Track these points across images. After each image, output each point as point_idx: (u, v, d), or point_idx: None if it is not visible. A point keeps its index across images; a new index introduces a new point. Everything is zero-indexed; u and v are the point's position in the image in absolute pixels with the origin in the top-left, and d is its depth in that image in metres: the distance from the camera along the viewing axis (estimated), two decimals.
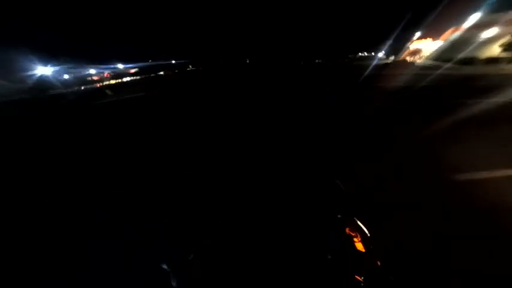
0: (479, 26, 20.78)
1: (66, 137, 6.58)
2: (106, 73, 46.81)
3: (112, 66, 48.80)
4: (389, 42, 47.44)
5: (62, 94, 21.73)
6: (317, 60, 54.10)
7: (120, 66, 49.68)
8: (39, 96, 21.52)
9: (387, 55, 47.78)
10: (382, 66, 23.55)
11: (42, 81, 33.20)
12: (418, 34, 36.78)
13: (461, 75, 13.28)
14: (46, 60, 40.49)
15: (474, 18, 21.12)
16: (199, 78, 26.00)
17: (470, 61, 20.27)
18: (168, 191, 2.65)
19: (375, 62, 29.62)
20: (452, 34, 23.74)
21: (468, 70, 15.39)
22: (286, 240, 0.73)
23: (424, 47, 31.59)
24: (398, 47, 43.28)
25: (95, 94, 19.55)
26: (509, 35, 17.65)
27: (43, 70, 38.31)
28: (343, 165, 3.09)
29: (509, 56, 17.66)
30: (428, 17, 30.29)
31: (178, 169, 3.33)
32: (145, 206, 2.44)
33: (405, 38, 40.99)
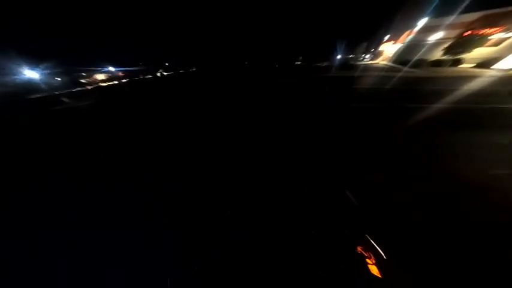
0: (428, 30, 21.36)
1: None
2: (96, 75, 46.02)
3: (106, 69, 48.13)
4: (369, 45, 48.47)
5: (26, 100, 21.00)
6: (297, 63, 54.67)
7: (112, 69, 48.96)
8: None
9: (365, 57, 48.63)
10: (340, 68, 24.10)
11: (27, 84, 32.57)
12: (387, 37, 37.77)
13: (398, 77, 13.58)
14: (36, 62, 39.83)
15: (423, 22, 21.68)
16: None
17: (419, 63, 20.81)
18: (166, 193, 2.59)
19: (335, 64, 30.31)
20: (407, 37, 24.30)
21: (411, 73, 15.71)
22: (284, 251, 0.69)
23: (388, 50, 32.27)
24: (376, 49, 44.15)
25: (55, 100, 18.94)
26: (451, 39, 18.15)
27: (31, 73, 37.56)
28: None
29: (450, 58, 18.18)
30: (394, 20, 31.00)
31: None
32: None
33: (381, 40, 41.91)
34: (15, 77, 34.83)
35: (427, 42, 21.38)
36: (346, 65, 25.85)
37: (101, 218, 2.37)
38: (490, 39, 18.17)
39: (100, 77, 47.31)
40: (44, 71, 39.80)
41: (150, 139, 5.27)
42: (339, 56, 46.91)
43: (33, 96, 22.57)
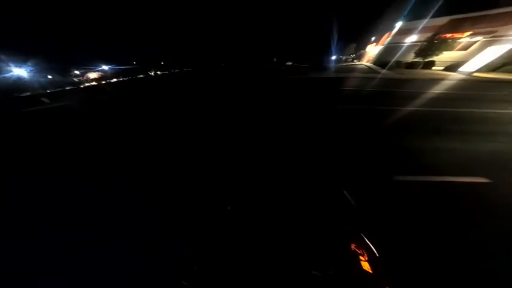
0: (404, 33, 22.01)
1: None
2: (89, 74, 44.88)
3: (99, 67, 47.10)
4: (357, 46, 49.32)
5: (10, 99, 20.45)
6: (288, 63, 54.97)
7: (105, 67, 47.90)
8: None
9: (353, 58, 49.42)
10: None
11: (15, 82, 31.74)
12: (373, 38, 38.58)
13: (367, 78, 14.08)
14: (27, 60, 38.61)
15: (399, 24, 22.32)
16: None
17: (395, 65, 21.45)
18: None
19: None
20: (386, 39, 24.94)
21: (384, 74, 16.25)
22: (285, 251, 0.70)
23: (371, 51, 32.99)
24: (363, 50, 45.05)
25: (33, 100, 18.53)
26: (423, 42, 18.76)
27: (19, 71, 36.48)
28: None
29: (422, 61, 18.83)
30: (378, 21, 31.71)
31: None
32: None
33: (368, 42, 42.76)
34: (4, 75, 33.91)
35: (403, 45, 22.03)
36: (321, 66, 26.65)
37: (99, 218, 2.36)
38: (460, 43, 18.92)
39: (92, 75, 46.42)
40: (34, 69, 38.69)
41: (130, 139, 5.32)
42: (333, 57, 47.71)
43: (16, 95, 22.17)
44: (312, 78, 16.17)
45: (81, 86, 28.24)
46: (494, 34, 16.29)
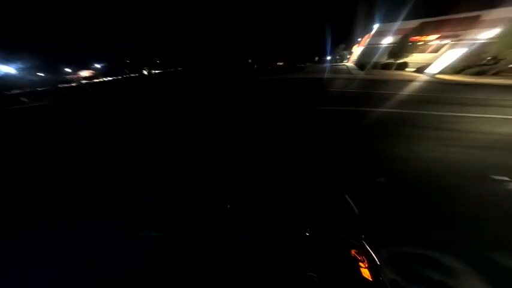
0: (380, 34, 22.68)
1: None
2: (80, 73, 44.04)
3: (93, 65, 46.39)
4: (346, 47, 50.08)
5: None
6: (279, 63, 55.35)
7: (98, 65, 47.23)
8: None
9: (338, 59, 50.10)
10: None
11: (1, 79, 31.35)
12: (359, 39, 39.40)
13: (340, 78, 14.64)
14: (17, 57, 37.83)
15: (376, 26, 22.97)
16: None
17: (373, 66, 22.11)
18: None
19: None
20: (366, 41, 25.60)
21: (352, 75, 16.83)
22: (282, 251, 0.71)
23: (356, 52, 33.73)
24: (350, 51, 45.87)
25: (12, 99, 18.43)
26: (395, 44, 19.43)
27: (6, 68, 35.86)
28: None
29: (395, 62, 19.51)
30: (363, 23, 32.40)
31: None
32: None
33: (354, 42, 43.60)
34: None
35: (380, 46, 22.71)
36: (295, 67, 27.61)
37: (97, 216, 2.39)
38: (431, 46, 19.67)
39: (84, 73, 45.83)
40: (24, 66, 38.05)
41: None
42: (328, 57, 48.43)
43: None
44: (279, 79, 16.70)
45: (65, 86, 28.13)
46: (459, 37, 17.06)
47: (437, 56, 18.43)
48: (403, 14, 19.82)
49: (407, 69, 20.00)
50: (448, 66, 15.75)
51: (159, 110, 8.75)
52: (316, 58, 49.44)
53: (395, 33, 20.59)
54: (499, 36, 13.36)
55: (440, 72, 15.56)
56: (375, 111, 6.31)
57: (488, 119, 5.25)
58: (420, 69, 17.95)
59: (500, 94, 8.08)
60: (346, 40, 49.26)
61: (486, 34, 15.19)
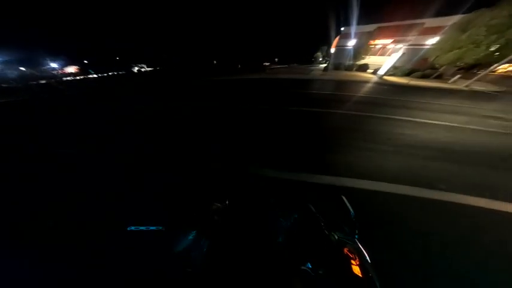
0: (345, 37, 24.07)
1: None
2: (66, 68, 41.70)
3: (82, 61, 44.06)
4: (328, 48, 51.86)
5: None
6: (265, 64, 56.29)
7: (86, 61, 44.94)
8: None
9: (314, 61, 51.66)
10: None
11: None
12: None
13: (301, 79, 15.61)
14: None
15: (343, 29, 24.34)
16: None
17: (338, 67, 23.46)
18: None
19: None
20: (335, 43, 26.99)
21: (309, 75, 17.92)
22: (276, 245, 0.75)
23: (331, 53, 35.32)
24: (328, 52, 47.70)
25: None
26: (357, 47, 20.80)
27: None
28: None
29: (355, 63, 20.92)
30: (338, 25, 33.92)
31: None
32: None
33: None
34: None
35: (346, 48, 24.11)
36: (256, 67, 28.91)
37: (95, 214, 2.35)
38: (388, 49, 21.26)
39: (70, 69, 43.70)
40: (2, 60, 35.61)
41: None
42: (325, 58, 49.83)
43: None
44: (230, 80, 17.47)
45: (41, 82, 26.98)
46: (409, 42, 18.66)
47: (392, 59, 20.02)
48: (365, 18, 21.26)
49: (368, 70, 21.51)
50: (397, 68, 17.25)
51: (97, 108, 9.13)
52: (276, 59, 50.28)
53: (356, 37, 22.00)
54: (438, 42, 14.91)
55: (390, 74, 17.03)
56: (291, 109, 7.17)
57: (394, 119, 5.63)
58: (376, 71, 19.43)
59: (425, 97, 8.86)
60: (328, 42, 51.08)
61: (430, 40, 16.81)
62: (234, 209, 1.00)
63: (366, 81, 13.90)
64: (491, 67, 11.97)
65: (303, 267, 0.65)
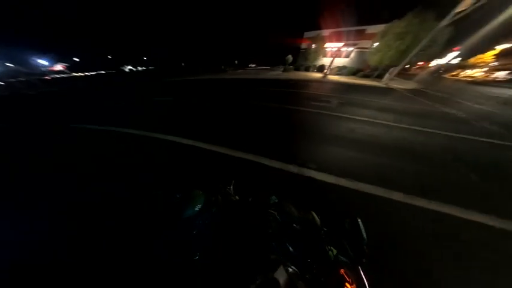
0: (307, 40, 26.36)
1: None
2: (56, 66, 39.78)
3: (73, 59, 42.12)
4: None
5: None
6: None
7: (76, 59, 43.01)
8: None
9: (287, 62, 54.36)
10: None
11: None
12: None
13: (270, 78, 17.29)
14: None
15: (305, 34, 26.63)
16: None
17: (298, 68, 25.61)
18: None
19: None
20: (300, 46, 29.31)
21: (266, 75, 19.80)
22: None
23: None
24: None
25: None
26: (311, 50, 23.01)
27: None
28: None
29: (312, 64, 23.15)
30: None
31: None
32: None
33: None
34: None
35: (306, 51, 26.41)
36: (218, 68, 30.73)
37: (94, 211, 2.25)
38: (342, 52, 23.71)
39: (58, 67, 42.08)
40: None
41: None
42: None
43: None
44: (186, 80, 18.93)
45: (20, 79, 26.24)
46: (357, 46, 21.12)
47: (349, 61, 22.47)
48: (321, 24, 23.53)
49: (324, 70, 23.82)
50: (345, 69, 19.56)
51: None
52: (236, 61, 51.31)
53: (314, 40, 24.27)
54: (373, 47, 17.32)
55: (337, 74, 19.29)
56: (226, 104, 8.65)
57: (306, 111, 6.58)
58: (331, 71, 21.71)
59: (353, 93, 10.30)
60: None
61: (370, 44, 19.28)
62: (236, 197, 1.00)
63: (311, 80, 15.88)
64: (398, 68, 14.20)
65: (288, 268, 0.60)
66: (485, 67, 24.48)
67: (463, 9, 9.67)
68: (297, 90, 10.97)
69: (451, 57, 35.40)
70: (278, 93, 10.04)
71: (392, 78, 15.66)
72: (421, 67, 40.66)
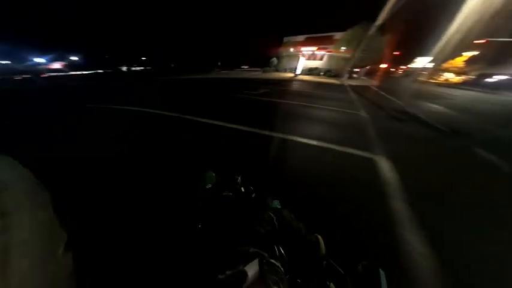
0: (286, 45, 28.89)
1: None
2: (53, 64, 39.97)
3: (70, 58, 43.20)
4: None
5: None
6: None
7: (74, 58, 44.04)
8: None
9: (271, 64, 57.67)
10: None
11: None
12: None
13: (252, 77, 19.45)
14: None
15: (285, 39, 29.16)
16: None
17: (277, 69, 28.01)
18: None
19: None
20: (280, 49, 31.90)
21: (252, 75, 22.06)
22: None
23: None
24: None
25: None
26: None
27: None
28: None
29: (291, 66, 25.55)
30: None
31: None
32: None
33: None
34: None
35: (285, 54, 28.88)
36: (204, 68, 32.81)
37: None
38: (316, 55, 26.20)
39: (56, 66, 42.14)
40: None
41: None
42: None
43: None
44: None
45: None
46: (327, 50, 23.59)
47: (322, 63, 24.93)
48: (299, 29, 26.01)
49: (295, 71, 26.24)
50: (316, 69, 21.94)
51: None
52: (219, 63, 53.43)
53: (292, 44, 26.78)
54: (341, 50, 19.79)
55: (308, 74, 21.64)
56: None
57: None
58: (305, 72, 24.08)
59: (309, 87, 12.89)
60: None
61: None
62: (242, 188, 0.99)
63: (278, 79, 18.11)
64: (347, 69, 16.60)
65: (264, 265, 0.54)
66: (455, 71, 27.02)
67: (381, 22, 11.98)
68: (246, 82, 13.27)
69: (425, 62, 38.71)
70: (236, 84, 12.30)
71: (352, 77, 18.04)
72: (402, 70, 43.76)
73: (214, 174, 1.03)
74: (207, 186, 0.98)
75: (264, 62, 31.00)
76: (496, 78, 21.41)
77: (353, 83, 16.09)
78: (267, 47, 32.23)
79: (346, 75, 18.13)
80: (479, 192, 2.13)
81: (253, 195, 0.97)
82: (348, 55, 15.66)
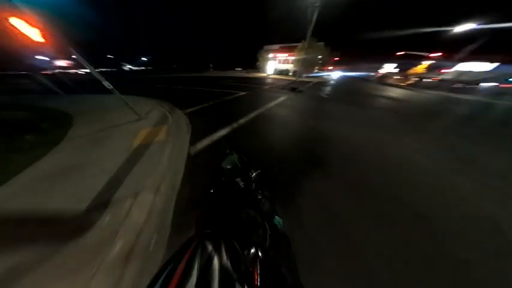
0: (266, 51, 35.14)
1: None
2: (57, 62, 41.11)
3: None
4: None
5: None
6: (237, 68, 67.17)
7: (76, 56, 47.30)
8: None
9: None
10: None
11: None
12: None
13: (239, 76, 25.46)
14: None
15: (264, 47, 35.47)
16: None
17: (259, 71, 34.18)
18: None
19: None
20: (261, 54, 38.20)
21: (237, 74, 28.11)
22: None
23: None
24: None
25: None
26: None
27: None
28: None
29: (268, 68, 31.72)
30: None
31: None
32: None
33: None
34: None
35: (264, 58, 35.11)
36: (200, 69, 37.73)
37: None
38: (288, 60, 32.42)
39: (61, 63, 44.86)
40: None
41: None
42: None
43: None
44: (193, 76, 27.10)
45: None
46: (296, 55, 29.80)
47: (294, 66, 31.10)
48: (275, 39, 32.30)
49: (266, 72, 32.33)
50: (287, 70, 28.13)
51: None
52: (211, 65, 61.86)
53: (272, 51, 33.13)
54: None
55: (277, 74, 27.76)
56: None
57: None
58: (277, 73, 30.22)
59: (273, 80, 19.16)
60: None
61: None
62: (254, 185, 1.03)
63: (251, 77, 24.11)
64: (298, 71, 22.61)
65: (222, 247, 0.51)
66: (416, 76, 32.76)
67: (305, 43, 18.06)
68: (222, 80, 19.38)
69: (391, 68, 45.68)
70: (215, 79, 18.45)
71: (301, 76, 24.10)
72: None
73: (236, 159, 1.11)
74: (228, 166, 1.06)
75: (253, 66, 36.72)
76: None
77: (302, 80, 22.15)
78: (255, 53, 38.50)
79: (298, 75, 24.30)
80: (325, 112, 7.77)
81: (259, 197, 0.95)
82: (301, 60, 21.80)
